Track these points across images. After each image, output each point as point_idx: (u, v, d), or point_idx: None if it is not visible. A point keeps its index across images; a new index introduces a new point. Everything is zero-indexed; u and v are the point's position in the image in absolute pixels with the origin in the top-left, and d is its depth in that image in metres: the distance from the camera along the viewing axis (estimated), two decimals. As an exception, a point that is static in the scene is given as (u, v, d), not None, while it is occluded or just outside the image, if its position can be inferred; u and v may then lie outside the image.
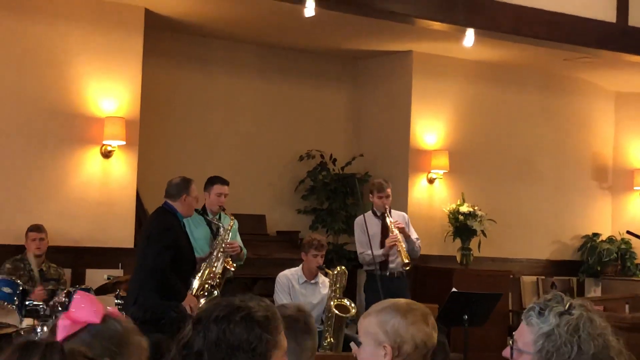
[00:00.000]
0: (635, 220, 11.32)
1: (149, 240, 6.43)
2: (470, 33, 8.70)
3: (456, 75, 10.65)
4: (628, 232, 9.25)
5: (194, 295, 6.54)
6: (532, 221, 11.10)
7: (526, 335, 2.34)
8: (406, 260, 7.73)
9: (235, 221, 7.19)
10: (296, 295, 7.11)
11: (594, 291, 11.22)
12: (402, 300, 2.92)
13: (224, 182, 7.18)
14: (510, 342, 2.38)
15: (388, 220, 7.87)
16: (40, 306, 6.89)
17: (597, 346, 2.27)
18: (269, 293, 7.52)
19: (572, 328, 2.28)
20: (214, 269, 6.75)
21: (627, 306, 7.11)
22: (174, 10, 8.88)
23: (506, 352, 2.39)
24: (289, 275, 7.18)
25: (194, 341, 2.20)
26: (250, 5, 8.47)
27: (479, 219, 10.16)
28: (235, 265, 7.00)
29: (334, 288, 6.97)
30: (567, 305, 2.32)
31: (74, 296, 2.09)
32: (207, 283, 6.64)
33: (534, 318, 2.33)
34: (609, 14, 9.02)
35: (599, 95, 11.76)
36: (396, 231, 7.80)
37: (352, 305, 7.00)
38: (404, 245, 7.77)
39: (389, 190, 7.96)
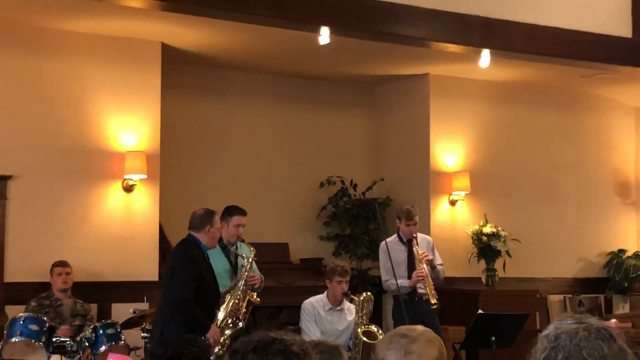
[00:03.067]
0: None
1: (174, 272, 6.43)
2: (486, 54, 8.71)
3: (474, 97, 10.65)
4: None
5: (219, 327, 6.53)
6: (557, 240, 11.03)
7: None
8: (433, 300, 7.62)
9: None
10: (322, 322, 7.09)
11: (622, 308, 11.12)
12: (401, 328, 2.91)
13: (243, 213, 7.11)
14: None
15: (415, 250, 7.80)
16: (67, 342, 6.91)
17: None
18: (294, 321, 7.51)
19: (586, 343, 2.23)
20: (237, 301, 6.72)
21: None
22: (190, 44, 8.95)
23: None
24: (315, 303, 7.15)
25: None
26: (265, 35, 8.52)
27: (502, 239, 10.10)
28: (259, 299, 6.96)
29: (360, 314, 6.94)
30: (578, 324, 2.27)
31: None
32: (233, 314, 6.62)
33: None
34: (624, 30, 9.01)
35: (619, 111, 11.71)
36: (424, 265, 7.70)
37: (380, 331, 6.97)
38: (431, 282, 7.67)
39: (417, 218, 7.89)
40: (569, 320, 2.32)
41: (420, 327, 2.89)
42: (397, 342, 2.84)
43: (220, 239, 6.90)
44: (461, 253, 10.20)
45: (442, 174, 10.42)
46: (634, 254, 11.28)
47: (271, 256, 9.63)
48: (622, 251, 11.30)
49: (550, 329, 2.30)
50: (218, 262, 6.83)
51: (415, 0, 8.12)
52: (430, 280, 7.67)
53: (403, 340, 2.82)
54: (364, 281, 10.16)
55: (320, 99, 10.86)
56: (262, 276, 7.13)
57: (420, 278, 7.65)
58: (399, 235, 8.01)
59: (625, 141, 11.77)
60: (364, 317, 6.93)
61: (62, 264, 7.80)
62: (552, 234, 10.99)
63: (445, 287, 9.59)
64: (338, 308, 7.16)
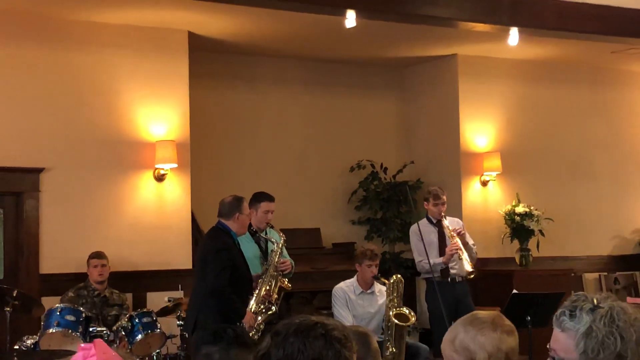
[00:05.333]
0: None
1: (206, 261, 6.46)
2: (514, 32, 8.63)
3: (503, 76, 10.57)
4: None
5: (253, 313, 6.56)
6: (590, 218, 10.94)
7: (564, 342, 2.30)
8: (470, 269, 7.64)
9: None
10: (354, 306, 7.10)
11: (659, 285, 11.02)
12: (467, 315, 2.88)
13: (271, 199, 7.11)
14: (550, 353, 2.34)
15: (445, 226, 7.82)
16: (105, 332, 6.98)
17: (637, 331, 2.25)
18: (329, 306, 7.53)
19: (608, 320, 2.26)
20: (269, 286, 6.75)
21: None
22: (216, 32, 8.97)
23: None
24: (345, 288, 7.16)
25: (271, 353, 2.22)
26: (292, 21, 8.52)
27: (535, 219, 10.05)
28: (290, 285, 6.98)
29: (391, 297, 6.94)
30: (595, 301, 2.29)
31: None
32: (265, 300, 6.65)
33: (567, 322, 2.31)
34: (655, 3, 8.89)
35: (651, 86, 11.58)
36: (456, 238, 7.73)
37: (412, 313, 6.96)
38: (463, 253, 7.70)
39: (444, 197, 7.93)
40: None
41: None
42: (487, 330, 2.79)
43: (250, 226, 6.92)
44: (494, 233, 10.16)
45: (472, 154, 10.37)
46: (669, 229, 11.18)
47: (303, 242, 9.67)
48: (657, 227, 11.19)
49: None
50: (248, 248, 6.85)
51: (442, -20, 8.06)
52: (464, 250, 7.68)
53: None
54: (397, 264, 10.16)
55: (349, 83, 10.84)
56: (293, 261, 7.15)
57: (453, 251, 7.66)
58: (428, 218, 8.03)
59: (658, 116, 11.64)
60: (395, 300, 6.92)
61: (99, 255, 7.85)
62: (585, 211, 10.91)
63: (479, 267, 9.56)
64: (369, 291, 7.17)
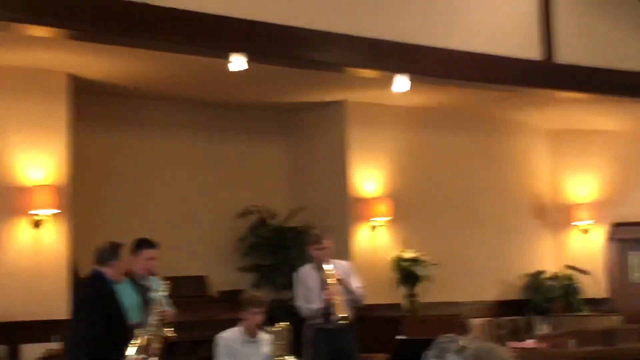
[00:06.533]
0: (576, 255, 11.37)
1: (81, 309, 6.22)
2: (399, 79, 8.69)
3: (391, 122, 10.66)
4: (568, 266, 9.27)
5: (130, 364, 6.30)
6: (477, 263, 11.06)
7: None
8: (342, 315, 7.55)
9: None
10: (237, 355, 6.91)
11: (543, 329, 11.15)
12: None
13: (154, 246, 6.91)
14: None
15: (324, 271, 7.73)
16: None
17: None
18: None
19: (473, 359, 2.20)
20: (149, 336, 6.51)
21: (572, 342, 7.04)
22: (99, 74, 8.77)
23: None
24: (229, 337, 6.98)
25: None
26: (178, 63, 8.39)
27: (423, 264, 10.10)
28: (175, 334, 6.76)
29: (276, 345, 6.79)
30: (462, 343, 2.26)
31: None
32: (144, 351, 6.40)
33: None
34: (534, 53, 9.11)
35: (533, 134, 11.86)
36: (333, 282, 7.63)
37: (297, 361, 6.83)
38: (340, 299, 7.60)
39: (326, 242, 7.83)
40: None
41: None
42: None
43: (131, 273, 6.69)
44: (382, 279, 10.15)
45: (362, 200, 10.39)
46: (552, 275, 11.37)
47: (188, 290, 9.44)
48: (540, 272, 11.39)
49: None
50: (128, 296, 6.60)
51: (330, 26, 8.08)
52: (340, 297, 7.57)
53: None
54: (286, 312, 9.99)
55: (238, 128, 10.75)
56: (176, 310, 6.94)
57: (329, 296, 7.56)
58: (312, 262, 7.94)
59: (540, 164, 11.92)
60: (281, 348, 6.77)
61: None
62: (472, 257, 11.03)
63: (366, 314, 9.52)
64: (254, 340, 7.01)
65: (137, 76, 8.95)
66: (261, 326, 6.96)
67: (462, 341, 2.27)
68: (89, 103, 9.44)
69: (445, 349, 2.26)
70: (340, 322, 7.53)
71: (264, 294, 7.54)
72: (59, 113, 8.50)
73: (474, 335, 2.63)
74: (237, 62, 7.81)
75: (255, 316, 6.91)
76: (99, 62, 8.38)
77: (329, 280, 7.64)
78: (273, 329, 6.86)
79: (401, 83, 8.75)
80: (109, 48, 7.73)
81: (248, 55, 7.79)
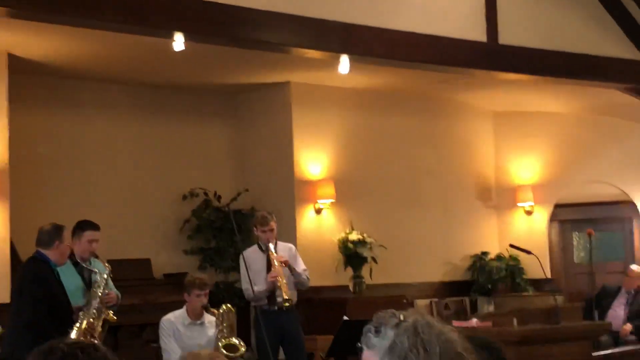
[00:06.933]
0: (520, 236, 11.47)
1: (22, 292, 6.10)
2: (345, 60, 8.65)
3: (336, 104, 10.63)
4: (511, 245, 9.35)
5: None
6: (422, 244, 11.11)
7: None
8: (285, 297, 7.51)
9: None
10: (182, 338, 6.85)
11: (487, 309, 11.27)
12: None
13: (96, 228, 6.80)
14: None
15: (270, 253, 7.69)
16: None
17: (441, 344, 2.19)
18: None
19: (412, 334, 2.20)
20: (92, 320, 6.41)
21: (515, 320, 7.11)
22: (38, 54, 8.58)
23: None
24: (173, 319, 6.91)
25: None
26: (119, 43, 8.24)
27: (368, 246, 10.12)
28: (115, 317, 6.67)
29: (221, 327, 6.75)
30: (401, 317, 2.23)
31: None
32: (87, 333, 6.31)
33: (372, 339, 2.22)
34: (479, 34, 9.13)
35: (478, 116, 11.94)
36: (278, 265, 7.59)
37: (242, 343, 6.79)
38: (285, 281, 7.57)
39: (272, 223, 7.78)
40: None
41: None
42: None
43: (73, 255, 6.58)
44: (328, 261, 10.14)
45: (306, 182, 10.36)
46: (496, 256, 11.48)
47: (132, 273, 9.33)
48: (485, 254, 11.48)
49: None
50: (70, 279, 6.50)
51: (273, 5, 7.98)
52: (284, 280, 7.54)
53: None
54: (231, 294, 9.95)
55: (181, 110, 10.63)
56: (119, 293, 6.86)
57: (273, 278, 7.53)
58: (258, 244, 7.89)
59: (484, 145, 12.00)
60: (225, 330, 6.73)
61: None
62: (417, 239, 11.07)
63: (313, 295, 9.52)
64: (198, 322, 6.95)
65: (77, 56, 8.78)
66: (205, 308, 6.91)
67: (401, 315, 2.24)
68: (29, 84, 9.25)
69: (383, 323, 2.23)
70: (285, 305, 7.50)
71: (207, 277, 7.48)
72: (-1, 93, 8.32)
73: (414, 310, 2.64)
74: (180, 42, 7.69)
75: (199, 298, 6.86)
76: (38, 42, 8.21)
77: (275, 263, 7.60)
78: (217, 311, 6.81)
79: (347, 64, 8.71)
80: (49, 27, 7.55)
81: (190, 35, 7.68)
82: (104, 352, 2.24)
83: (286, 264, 7.65)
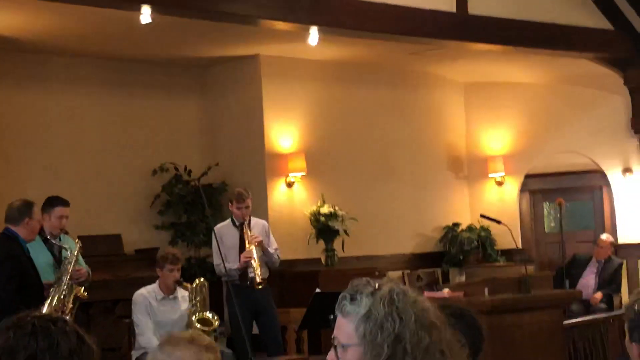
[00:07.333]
0: (491, 206, 11.51)
1: (-9, 269, 6.03)
2: (314, 31, 8.60)
3: (306, 77, 10.57)
4: (481, 215, 9.39)
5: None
6: (393, 216, 11.12)
7: (346, 328, 2.21)
8: (258, 280, 7.53)
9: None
10: (155, 312, 6.85)
11: (459, 280, 11.33)
12: (163, 337, 2.79)
13: (65, 204, 6.77)
14: (333, 342, 2.23)
15: (245, 232, 7.66)
16: None
17: (416, 312, 2.20)
18: (130, 314, 7.22)
19: (387, 302, 2.20)
20: (62, 296, 6.37)
21: (486, 290, 7.14)
22: (6, 27, 8.43)
23: (331, 357, 2.24)
24: (146, 294, 6.91)
25: None
26: (84, 16, 8.12)
27: (340, 219, 10.11)
28: (86, 294, 6.63)
29: (194, 302, 6.74)
30: (376, 285, 2.23)
31: None
32: (58, 310, 6.27)
33: (347, 307, 2.23)
34: (449, 4, 9.11)
35: (448, 87, 11.93)
36: (252, 247, 7.58)
37: (215, 317, 6.79)
38: (258, 263, 7.56)
39: (248, 200, 7.77)
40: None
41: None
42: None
43: (42, 232, 6.52)
44: (300, 234, 10.13)
45: (277, 155, 10.32)
46: (467, 227, 11.52)
47: (103, 248, 9.27)
48: (456, 225, 11.52)
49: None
50: (40, 255, 6.46)
51: (242, -23, 7.92)
52: (258, 261, 7.54)
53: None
54: (203, 269, 9.92)
55: (150, 84, 10.52)
56: (89, 269, 6.82)
57: (247, 259, 7.53)
58: (232, 220, 7.86)
59: (455, 117, 12.00)
60: (198, 305, 6.73)
61: None
62: (388, 211, 11.08)
63: (286, 269, 9.52)
64: (171, 297, 6.94)
65: (44, 31, 8.65)
66: (178, 283, 6.89)
67: (377, 284, 2.23)
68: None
69: (359, 291, 2.22)
70: (258, 287, 7.50)
71: (179, 251, 7.46)
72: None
73: (388, 279, 2.66)
74: (147, 14, 7.60)
75: (172, 273, 6.86)
76: (4, 17, 8.06)
77: (248, 242, 7.58)
78: (191, 285, 6.80)
79: (316, 36, 8.66)
80: (15, 1, 7.45)
81: (157, 7, 7.59)
82: (74, 326, 2.20)
83: (259, 244, 7.63)
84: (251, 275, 7.64)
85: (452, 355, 2.22)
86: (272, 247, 7.90)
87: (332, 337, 2.24)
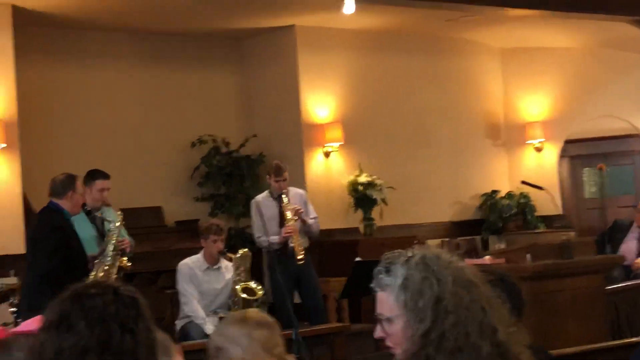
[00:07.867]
0: (530, 173, 11.46)
1: (37, 242, 6.14)
2: (349, 0, 8.57)
3: (342, 46, 10.55)
4: (523, 182, 9.31)
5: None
6: (432, 185, 11.11)
7: (387, 301, 2.23)
8: (300, 256, 7.53)
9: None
10: (199, 282, 6.93)
11: (499, 247, 11.30)
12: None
13: (106, 177, 6.84)
14: (378, 317, 2.26)
15: (284, 205, 7.66)
16: None
17: (453, 273, 2.21)
18: (174, 285, 7.31)
19: (422, 267, 2.21)
20: (107, 267, 6.45)
21: (528, 256, 7.11)
22: (42, 4, 8.51)
23: (378, 333, 2.26)
24: (190, 264, 6.98)
25: None
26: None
27: (378, 188, 10.13)
28: (130, 264, 6.71)
29: (238, 272, 6.80)
30: (409, 254, 2.26)
31: None
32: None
33: (384, 279, 2.24)
34: (485, -31, 9.05)
35: (485, 54, 11.84)
36: (292, 220, 7.58)
37: (259, 287, 6.84)
38: (299, 239, 7.57)
39: (286, 173, 7.77)
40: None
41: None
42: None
43: (84, 205, 6.60)
44: (338, 204, 10.16)
45: (314, 126, 10.33)
46: (506, 194, 11.47)
47: (144, 221, 9.36)
48: (495, 192, 11.48)
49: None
50: (84, 228, 6.54)
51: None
52: (298, 236, 7.57)
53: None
54: (242, 240, 9.99)
55: (186, 57, 10.56)
56: (133, 240, 6.89)
57: (288, 234, 7.56)
58: (270, 192, 7.89)
59: (493, 83, 11.92)
60: (242, 274, 6.79)
61: None
62: (426, 179, 11.06)
63: (324, 239, 9.56)
64: (215, 267, 7.01)
65: (81, 6, 8.72)
66: (222, 253, 6.95)
67: (409, 253, 2.25)
68: (34, 35, 9.20)
69: (392, 262, 2.24)
70: (299, 262, 7.52)
71: (223, 222, 7.50)
72: (5, 46, 8.29)
73: (420, 246, 2.69)
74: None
75: (216, 243, 6.90)
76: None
77: (288, 214, 7.59)
78: (234, 255, 6.85)
79: (352, 4, 8.62)
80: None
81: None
82: (136, 292, 2.14)
83: (299, 214, 7.64)
84: (292, 245, 7.67)
85: (493, 310, 2.23)
86: (311, 215, 7.93)
87: (376, 313, 2.26)
